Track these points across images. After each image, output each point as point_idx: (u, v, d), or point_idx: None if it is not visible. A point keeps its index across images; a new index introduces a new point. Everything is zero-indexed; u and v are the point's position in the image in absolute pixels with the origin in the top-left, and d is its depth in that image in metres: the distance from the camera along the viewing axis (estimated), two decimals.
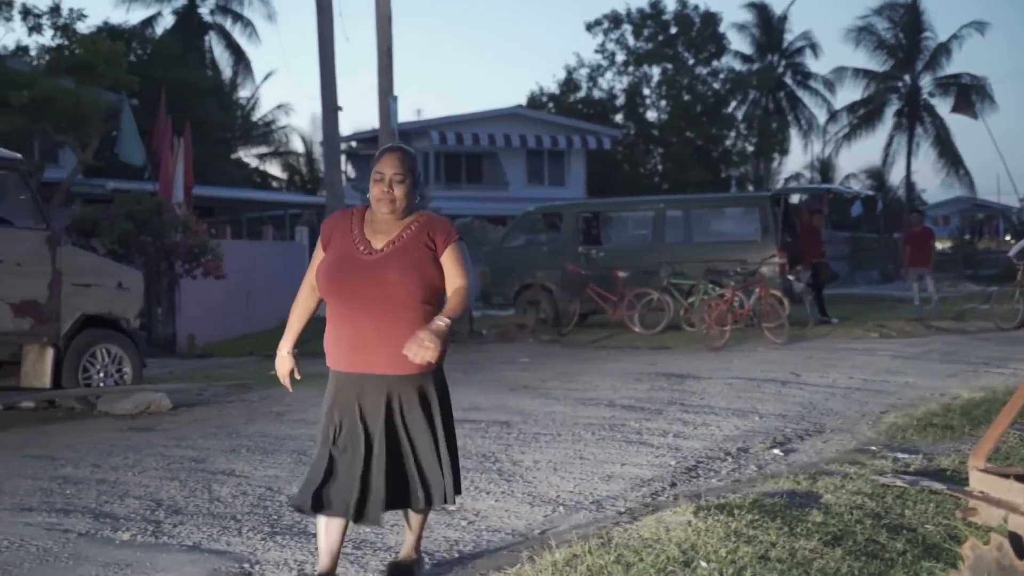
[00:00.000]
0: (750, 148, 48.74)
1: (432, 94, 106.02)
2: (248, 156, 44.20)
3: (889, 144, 48.26)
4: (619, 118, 47.72)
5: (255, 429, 8.32)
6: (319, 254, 4.03)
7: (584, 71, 48.80)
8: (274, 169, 45.60)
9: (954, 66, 48.19)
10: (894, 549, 4.70)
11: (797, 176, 51.19)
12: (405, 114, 47.48)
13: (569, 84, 48.63)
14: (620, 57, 48.41)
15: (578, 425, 8.20)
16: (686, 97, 47.23)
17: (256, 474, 6.58)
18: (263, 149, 45.03)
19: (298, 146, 45.60)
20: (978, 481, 4.10)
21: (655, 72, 48.02)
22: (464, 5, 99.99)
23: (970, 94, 44.42)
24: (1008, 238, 29.82)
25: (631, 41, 48.33)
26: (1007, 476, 4.01)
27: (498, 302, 18.79)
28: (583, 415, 8.66)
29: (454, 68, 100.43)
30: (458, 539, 5.11)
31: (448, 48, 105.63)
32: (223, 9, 43.09)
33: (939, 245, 30.18)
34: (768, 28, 50.15)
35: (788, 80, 50.69)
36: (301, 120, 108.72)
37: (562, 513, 5.62)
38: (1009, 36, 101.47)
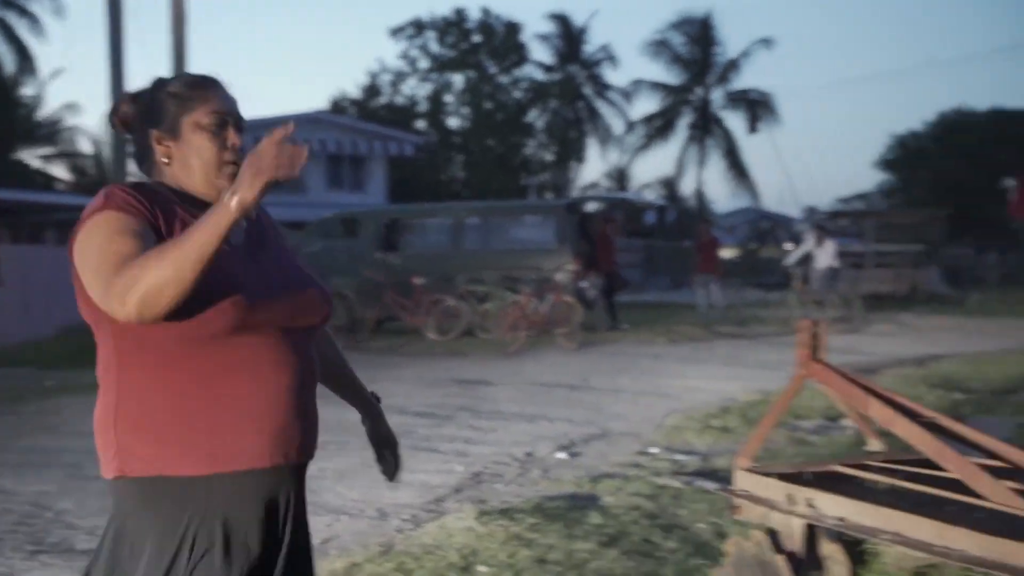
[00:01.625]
0: (550, 157, 49.61)
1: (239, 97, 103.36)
2: (31, 157, 42.14)
3: (682, 155, 50.01)
4: (422, 125, 47.79)
5: (25, 443, 7.91)
6: (132, 239, 2.01)
7: (387, 77, 48.70)
8: (60, 171, 43.63)
9: (743, 81, 50.35)
10: (666, 548, 4.85)
11: (595, 185, 52.41)
12: None
13: (372, 90, 48.41)
14: (423, 64, 48.53)
15: None
16: (488, 105, 47.69)
17: (23, 490, 6.26)
18: (48, 150, 43.03)
19: (87, 147, 43.77)
20: (742, 480, 4.26)
21: (458, 80, 48.35)
22: (265, 7, 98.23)
23: (756, 110, 46.48)
24: (787, 247, 31.33)
25: (434, 48, 48.52)
26: (768, 475, 4.18)
27: None
28: None
29: (253, 71, 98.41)
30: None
31: (247, 50, 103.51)
32: (6, 2, 41.01)
33: (726, 253, 31.38)
34: (569, 39, 51.17)
35: (587, 91, 51.83)
36: (92, 121, 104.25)
37: (345, 522, 5.55)
38: (794, 53, 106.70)
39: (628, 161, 51.62)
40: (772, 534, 3.91)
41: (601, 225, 18.71)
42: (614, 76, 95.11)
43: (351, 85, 49.26)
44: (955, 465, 3.69)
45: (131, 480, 2.07)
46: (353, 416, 2.73)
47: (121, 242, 2.00)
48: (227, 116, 2.22)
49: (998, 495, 3.50)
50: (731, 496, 4.36)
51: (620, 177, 51.50)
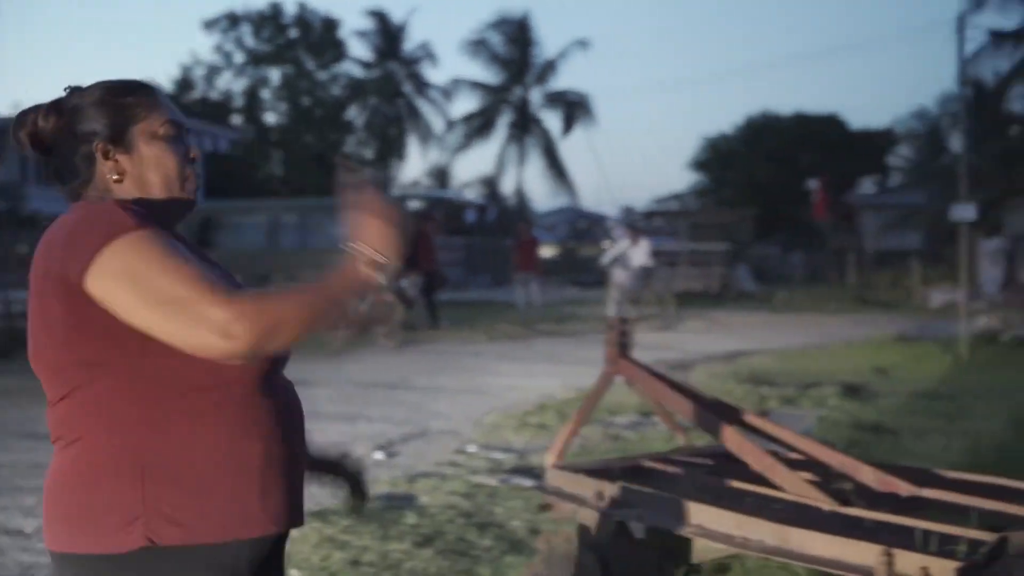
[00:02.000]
0: (370, 154, 49.33)
1: (40, 88, 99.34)
2: None
3: (502, 155, 50.50)
4: (237, 120, 46.79)
5: None
6: (193, 261, 1.81)
7: (201, 71, 47.51)
8: None
9: (561, 82, 51.23)
10: (481, 546, 4.87)
11: (415, 183, 52.38)
12: (2, 108, 44.26)
13: (185, 83, 47.14)
14: (238, 58, 47.53)
15: None
16: (306, 101, 47.07)
17: None
18: None
19: None
20: (553, 477, 4.31)
21: (274, 75, 47.55)
22: None
23: (574, 110, 47.34)
24: (605, 246, 32.12)
25: (250, 42, 47.58)
26: (578, 471, 4.24)
27: None
28: None
29: (57, 64, 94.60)
30: (33, 563, 4.77)
31: (50, 41, 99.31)
32: None
33: (546, 252, 31.80)
34: (388, 36, 50.98)
35: (407, 88, 51.74)
36: None
37: None
38: (610, 55, 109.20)
39: (449, 160, 51.88)
40: (582, 529, 3.97)
41: (421, 223, 18.70)
42: (434, 74, 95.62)
43: (163, 78, 47.61)
44: (754, 458, 3.83)
45: (163, 551, 1.75)
46: None
47: (188, 264, 1.75)
48: (182, 125, 2.00)
49: (794, 486, 3.65)
50: (543, 493, 4.42)
51: (441, 176, 51.66)
